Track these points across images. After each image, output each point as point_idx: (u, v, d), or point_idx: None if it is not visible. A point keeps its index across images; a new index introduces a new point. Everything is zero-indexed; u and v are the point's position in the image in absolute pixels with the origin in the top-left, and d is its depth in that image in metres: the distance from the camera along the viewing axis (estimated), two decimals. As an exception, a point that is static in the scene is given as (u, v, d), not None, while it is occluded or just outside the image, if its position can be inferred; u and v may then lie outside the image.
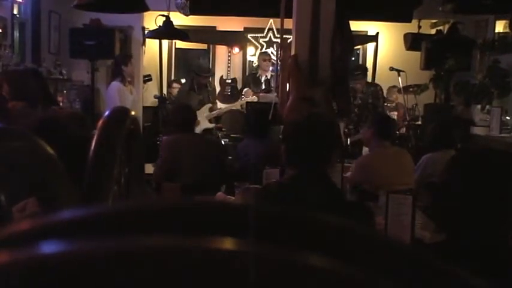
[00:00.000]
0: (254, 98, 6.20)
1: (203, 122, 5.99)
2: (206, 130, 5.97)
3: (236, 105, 6.31)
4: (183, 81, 7.55)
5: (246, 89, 7.01)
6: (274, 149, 3.29)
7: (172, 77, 7.40)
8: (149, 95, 6.68)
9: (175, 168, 3.56)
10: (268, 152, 3.44)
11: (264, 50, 7.29)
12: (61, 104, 5.31)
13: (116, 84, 5.02)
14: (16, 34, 5.44)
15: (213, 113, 6.13)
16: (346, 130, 5.26)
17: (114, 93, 4.97)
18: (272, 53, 7.12)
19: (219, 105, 6.49)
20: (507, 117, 5.13)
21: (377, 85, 5.53)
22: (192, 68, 6.61)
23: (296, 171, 1.87)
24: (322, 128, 1.85)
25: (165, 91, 6.70)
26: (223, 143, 5.48)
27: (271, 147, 3.47)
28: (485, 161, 1.22)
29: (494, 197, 1.16)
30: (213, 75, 7.02)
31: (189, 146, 3.59)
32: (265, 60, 6.67)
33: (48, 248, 0.29)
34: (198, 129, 5.87)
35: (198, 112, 5.93)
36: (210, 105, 6.11)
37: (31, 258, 0.28)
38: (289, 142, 1.89)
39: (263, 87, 6.52)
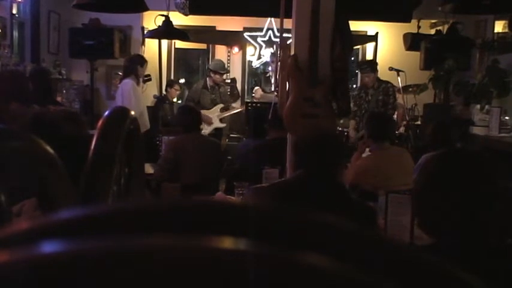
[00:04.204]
0: (269, 96, 6.27)
1: (214, 121, 6.03)
2: (217, 129, 6.00)
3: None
4: (182, 81, 7.55)
5: (256, 88, 7.05)
6: (274, 149, 3.30)
7: (172, 77, 7.39)
8: (148, 95, 6.69)
9: (179, 168, 3.58)
10: (268, 152, 3.44)
11: (263, 50, 7.31)
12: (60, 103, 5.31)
13: (129, 81, 5.02)
14: (15, 34, 5.44)
15: (224, 112, 6.16)
16: (356, 127, 5.28)
17: (129, 90, 4.97)
18: (272, 52, 7.13)
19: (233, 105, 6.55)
20: (506, 117, 5.13)
21: (388, 82, 5.50)
22: (208, 66, 6.62)
23: (303, 172, 1.91)
24: (333, 145, 1.98)
25: (164, 91, 6.71)
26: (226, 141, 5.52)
27: (271, 147, 3.47)
28: (456, 163, 1.22)
29: (467, 198, 1.16)
30: (229, 72, 7.03)
31: (194, 147, 3.61)
32: (273, 62, 6.73)
33: (47, 248, 0.29)
34: (210, 129, 5.92)
35: (209, 111, 5.99)
36: (221, 105, 6.14)
37: (30, 258, 0.28)
38: (300, 155, 1.99)
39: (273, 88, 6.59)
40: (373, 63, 5.59)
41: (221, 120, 6.13)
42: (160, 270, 0.27)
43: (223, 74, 6.31)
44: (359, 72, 5.98)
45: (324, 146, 1.98)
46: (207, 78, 6.25)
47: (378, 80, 5.43)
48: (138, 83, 5.13)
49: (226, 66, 6.90)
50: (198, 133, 3.85)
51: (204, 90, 6.15)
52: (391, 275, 0.30)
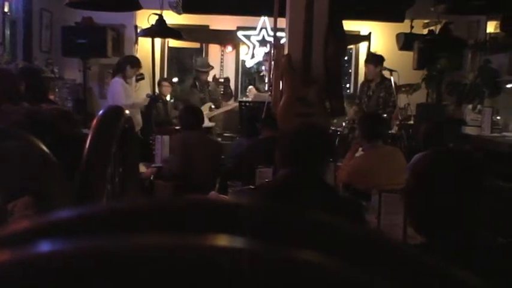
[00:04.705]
0: (263, 95, 6.26)
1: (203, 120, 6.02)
2: (206, 129, 5.99)
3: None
4: (175, 80, 7.53)
5: (250, 87, 7.05)
6: (267, 148, 3.30)
7: (165, 76, 7.37)
8: (141, 93, 6.66)
9: (184, 166, 3.58)
10: (261, 151, 3.45)
11: (256, 49, 7.32)
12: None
13: (119, 80, 5.01)
14: (7, 32, 5.39)
15: (213, 111, 6.15)
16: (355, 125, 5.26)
17: (119, 88, 4.95)
18: (265, 52, 7.13)
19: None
20: (498, 117, 5.17)
21: (390, 80, 5.50)
22: (194, 66, 6.62)
23: (289, 171, 1.89)
24: (317, 136, 1.92)
25: (157, 90, 6.69)
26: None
27: (265, 146, 3.48)
28: (445, 163, 1.23)
29: (458, 198, 1.16)
30: (213, 68, 7.03)
31: (198, 145, 3.62)
32: (267, 61, 6.72)
33: (42, 247, 0.29)
34: None
35: None
36: (210, 103, 6.14)
37: (26, 258, 0.28)
38: (284, 148, 1.95)
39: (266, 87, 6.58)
40: (375, 56, 5.56)
41: (210, 119, 6.12)
42: (156, 269, 0.27)
43: (206, 71, 6.30)
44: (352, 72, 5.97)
45: (307, 141, 1.93)
46: (195, 77, 6.25)
47: (382, 76, 5.42)
48: (126, 81, 5.12)
49: (220, 64, 6.89)
50: (201, 132, 3.87)
51: (193, 89, 6.16)
52: (386, 273, 0.31)
